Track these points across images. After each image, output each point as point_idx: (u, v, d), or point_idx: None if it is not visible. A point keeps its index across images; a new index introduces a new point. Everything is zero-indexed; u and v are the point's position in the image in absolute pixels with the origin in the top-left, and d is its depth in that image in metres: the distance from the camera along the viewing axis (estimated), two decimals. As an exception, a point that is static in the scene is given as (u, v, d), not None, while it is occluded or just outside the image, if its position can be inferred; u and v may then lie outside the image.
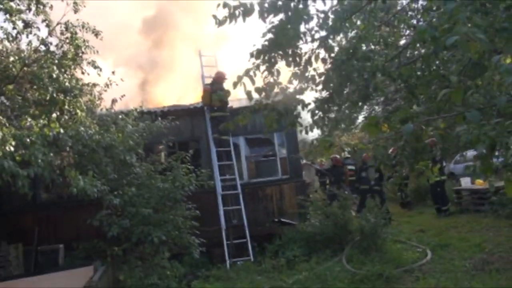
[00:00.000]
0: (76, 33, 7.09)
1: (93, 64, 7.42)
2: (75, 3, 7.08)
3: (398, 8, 8.03)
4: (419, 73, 4.08)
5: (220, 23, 2.94)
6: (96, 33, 7.24)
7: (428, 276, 6.54)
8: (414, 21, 8.53)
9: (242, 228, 9.25)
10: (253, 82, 3.22)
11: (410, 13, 8.42)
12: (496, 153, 2.48)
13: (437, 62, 4.32)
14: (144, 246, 6.81)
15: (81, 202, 7.54)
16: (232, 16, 2.85)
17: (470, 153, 12.88)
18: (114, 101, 8.81)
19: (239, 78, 3.15)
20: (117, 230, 6.25)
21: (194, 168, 8.01)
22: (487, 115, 2.30)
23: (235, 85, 3.22)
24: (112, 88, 8.32)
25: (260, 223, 10.24)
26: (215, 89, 9.83)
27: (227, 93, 3.49)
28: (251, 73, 3.17)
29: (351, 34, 3.74)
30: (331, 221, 8.49)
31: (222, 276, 7.63)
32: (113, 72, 8.20)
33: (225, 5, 2.83)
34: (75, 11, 7.15)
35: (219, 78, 10.36)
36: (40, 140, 5.40)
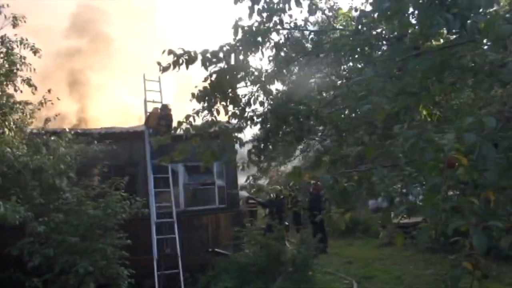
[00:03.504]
0: (12, 49, 6.80)
1: (28, 82, 7.12)
2: (14, 17, 6.85)
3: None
4: (347, 118, 4.46)
5: (164, 69, 3.07)
6: (35, 51, 6.98)
7: (352, 308, 6.88)
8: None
9: (175, 258, 9.06)
10: (192, 126, 3.37)
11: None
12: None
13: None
14: (68, 276, 6.43)
15: (-1, 227, 7.02)
16: (176, 63, 2.99)
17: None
18: (47, 120, 8.45)
19: (179, 124, 3.30)
20: (40, 260, 5.87)
21: (130, 195, 7.80)
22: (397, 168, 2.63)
23: (175, 129, 3.33)
24: (46, 107, 8.02)
25: (194, 253, 10.07)
26: (163, 115, 9.82)
27: (168, 137, 3.58)
28: (191, 119, 3.32)
29: (289, 79, 4.03)
30: (265, 251, 8.60)
31: (151, 308, 7.39)
32: (49, 90, 7.91)
33: (170, 52, 2.97)
34: (14, 26, 6.90)
35: (168, 110, 10.36)
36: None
